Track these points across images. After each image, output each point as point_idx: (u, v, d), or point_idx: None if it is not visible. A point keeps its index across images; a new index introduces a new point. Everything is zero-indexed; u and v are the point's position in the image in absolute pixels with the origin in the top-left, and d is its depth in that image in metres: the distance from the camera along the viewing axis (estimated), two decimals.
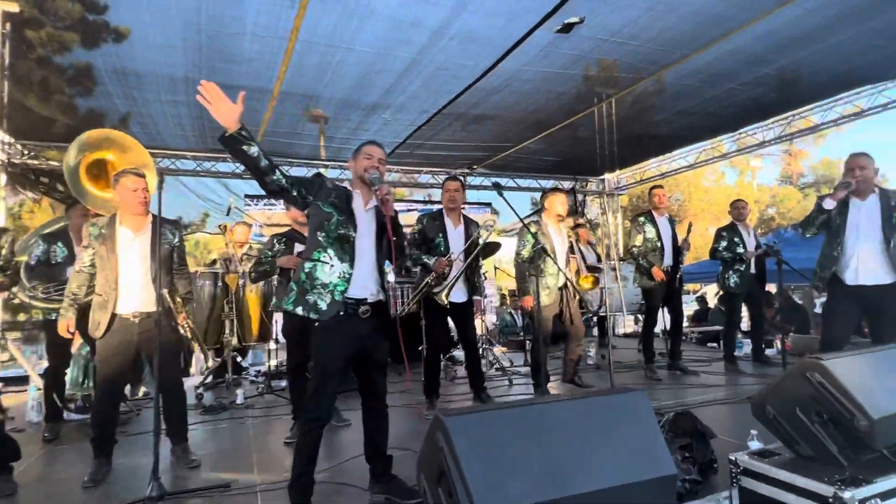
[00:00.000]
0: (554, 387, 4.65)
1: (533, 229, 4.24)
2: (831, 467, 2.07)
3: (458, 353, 6.41)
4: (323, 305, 2.21)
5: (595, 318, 7.41)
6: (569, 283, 4.23)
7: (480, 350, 5.65)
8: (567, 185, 10.43)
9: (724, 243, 5.27)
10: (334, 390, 2.31)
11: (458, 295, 3.89)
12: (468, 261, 3.87)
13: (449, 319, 4.22)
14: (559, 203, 4.31)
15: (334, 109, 5.68)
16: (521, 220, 3.79)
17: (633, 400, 1.61)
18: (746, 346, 5.77)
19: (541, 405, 1.51)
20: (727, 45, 4.77)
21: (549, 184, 10.06)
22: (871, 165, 3.41)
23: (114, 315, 2.82)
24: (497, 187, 3.89)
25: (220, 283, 5.14)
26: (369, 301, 2.30)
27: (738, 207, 5.36)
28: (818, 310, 11.87)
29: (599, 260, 7.03)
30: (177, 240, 3.13)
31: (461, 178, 4.15)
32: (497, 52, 4.52)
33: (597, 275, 4.42)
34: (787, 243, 6.55)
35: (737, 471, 2.25)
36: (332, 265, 2.24)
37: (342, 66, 4.61)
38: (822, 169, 20.89)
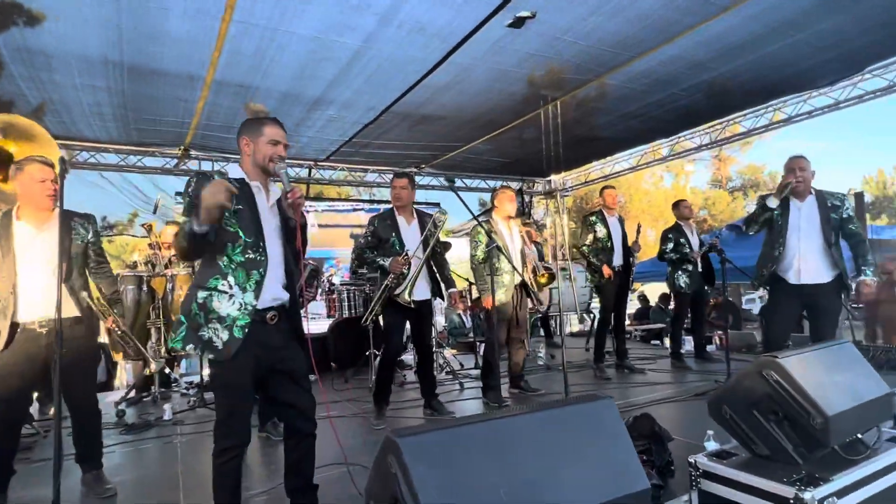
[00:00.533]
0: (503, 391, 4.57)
1: (485, 227, 4.15)
2: (787, 466, 2.06)
3: (407, 357, 6.23)
4: (219, 343, 1.90)
5: (540, 319, 7.43)
6: (524, 283, 4.15)
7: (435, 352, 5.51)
8: (515, 185, 10.48)
9: (670, 245, 5.39)
10: (249, 411, 2.03)
11: (421, 292, 3.72)
12: (426, 254, 3.71)
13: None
14: (508, 201, 4.24)
15: (274, 103, 5.34)
16: (475, 216, 3.66)
17: (601, 409, 1.49)
18: (688, 343, 5.93)
19: (504, 419, 1.36)
20: (671, 50, 4.86)
21: (497, 185, 10.07)
22: (809, 168, 3.54)
23: (15, 324, 2.46)
24: (450, 182, 3.76)
25: (144, 288, 4.68)
26: (275, 307, 2.03)
27: (683, 207, 5.49)
28: (745, 306, 12.63)
29: (542, 260, 7.06)
30: (90, 235, 2.77)
31: (409, 174, 3.95)
32: (446, 46, 4.37)
33: (552, 271, 4.37)
34: (721, 243, 6.86)
35: (696, 473, 2.20)
36: (231, 294, 1.93)
37: (282, 53, 4.31)
38: (749, 174, 22.39)
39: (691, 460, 2.21)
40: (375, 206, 9.60)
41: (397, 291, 3.61)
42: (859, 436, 2.22)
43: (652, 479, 2.32)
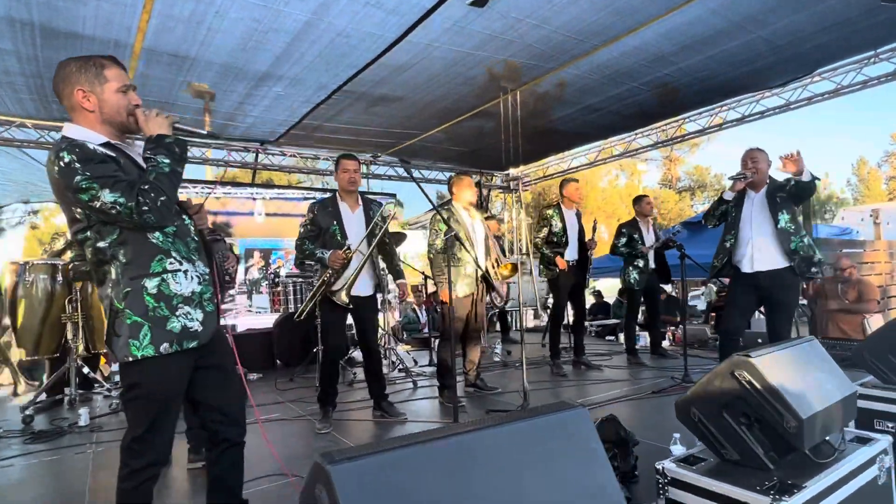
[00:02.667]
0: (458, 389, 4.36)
1: (444, 215, 3.92)
2: (757, 472, 1.94)
3: (357, 355, 5.92)
4: (195, 325, 1.65)
5: (497, 314, 7.30)
6: (484, 277, 3.95)
7: (383, 350, 5.23)
8: (473, 178, 10.30)
9: (623, 239, 5.33)
10: (176, 420, 1.72)
11: (363, 287, 3.43)
12: (370, 249, 3.41)
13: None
14: (468, 188, 4.02)
15: (214, 76, 4.88)
16: (435, 207, 3.41)
17: (573, 420, 1.29)
18: (643, 339, 5.92)
19: (461, 436, 1.13)
20: (633, 41, 4.77)
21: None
22: (765, 159, 3.51)
23: None
24: (405, 163, 3.48)
25: (59, 278, 4.16)
26: None
27: (644, 203, 5.43)
28: (691, 303, 13.00)
29: (503, 254, 6.91)
30: None
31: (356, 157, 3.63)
32: (405, 23, 4.08)
33: (516, 263, 4.19)
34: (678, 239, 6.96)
35: (664, 481, 2.05)
36: (185, 269, 1.68)
37: (222, 20, 3.89)
38: (696, 174, 23.24)
39: (658, 467, 2.05)
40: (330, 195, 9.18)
41: (335, 288, 3.31)
42: (827, 438, 2.14)
43: (622, 490, 2.17)
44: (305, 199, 8.04)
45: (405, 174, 9.15)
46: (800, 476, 1.88)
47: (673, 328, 7.01)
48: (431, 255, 3.93)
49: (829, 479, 1.92)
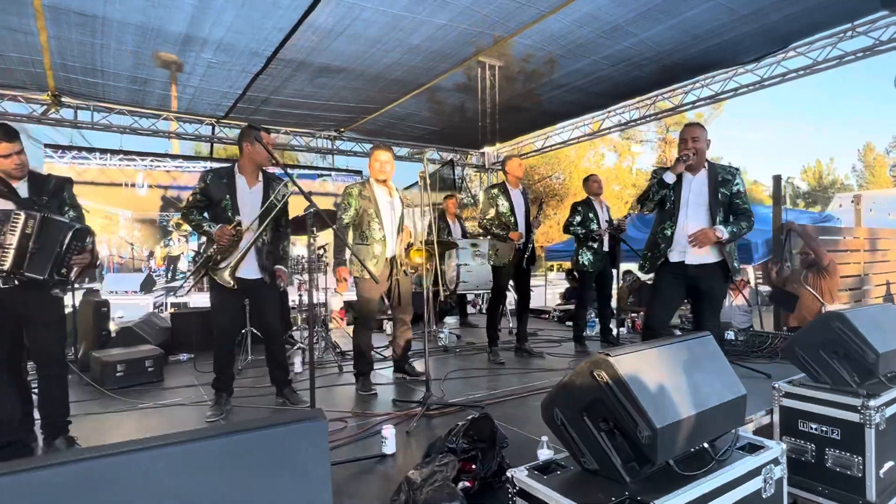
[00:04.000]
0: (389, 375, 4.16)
1: (355, 190, 3.67)
2: (614, 485, 1.72)
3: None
4: None
5: (458, 297, 7.06)
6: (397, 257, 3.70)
7: (323, 334, 5.03)
8: (447, 157, 9.98)
9: (578, 217, 5.06)
10: None
11: (250, 270, 3.18)
12: (261, 228, 3.16)
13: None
14: (380, 162, 3.71)
15: (132, 39, 4.52)
16: (305, 194, 3.08)
17: (298, 435, 1.04)
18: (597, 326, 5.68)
19: (94, 461, 0.87)
20: (584, 6, 4.43)
21: (432, 156, 9.55)
22: (705, 137, 3.21)
23: None
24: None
25: None
26: None
27: (592, 182, 5.16)
28: None
29: (465, 235, 6.64)
30: None
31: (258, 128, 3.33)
32: None
33: (431, 249, 3.91)
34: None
35: (512, 491, 1.83)
36: None
37: None
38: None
39: (509, 475, 1.83)
40: (229, 165, 8.88)
41: (220, 266, 3.07)
42: (706, 445, 1.90)
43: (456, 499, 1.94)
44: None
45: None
46: (656, 491, 1.65)
47: (634, 315, 6.78)
48: (335, 231, 3.70)
49: (693, 492, 1.70)
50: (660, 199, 3.25)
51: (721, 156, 22.54)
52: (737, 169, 3.12)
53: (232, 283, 3.02)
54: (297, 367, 4.41)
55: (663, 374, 1.81)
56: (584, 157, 18.69)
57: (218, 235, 3.00)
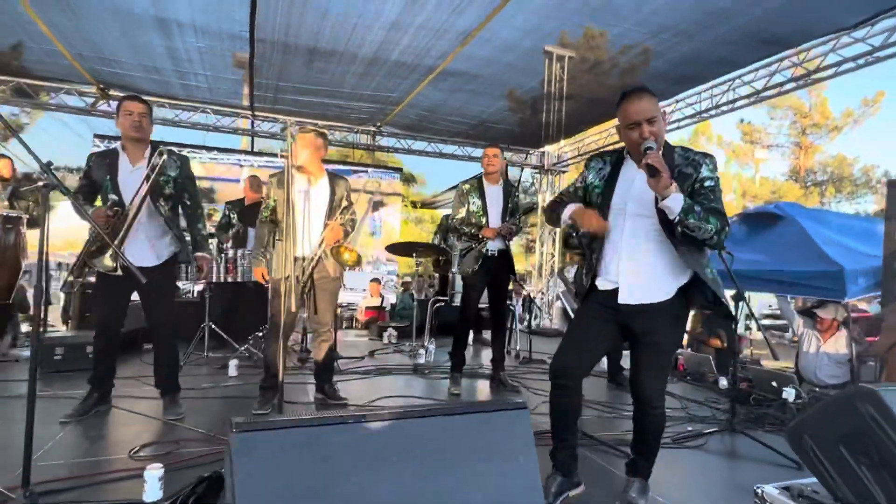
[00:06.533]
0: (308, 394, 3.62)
1: (275, 180, 3.22)
2: None
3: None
4: None
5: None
6: (316, 255, 3.17)
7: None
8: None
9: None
10: None
11: (144, 257, 2.84)
12: (139, 206, 2.80)
13: None
14: (305, 146, 3.16)
15: (109, 22, 4.47)
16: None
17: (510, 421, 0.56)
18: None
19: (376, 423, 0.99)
20: None
21: (477, 153, 8.83)
22: (660, 113, 2.17)
23: None
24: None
25: None
26: None
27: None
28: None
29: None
30: None
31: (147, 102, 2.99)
32: None
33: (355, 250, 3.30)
34: (731, 239, 5.03)
35: None
36: None
37: None
38: (835, 166, 18.60)
39: (758, 490, 1.84)
40: (341, 167, 8.71)
41: (103, 251, 2.75)
42: None
43: None
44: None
45: (412, 147, 8.40)
46: None
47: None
48: (258, 225, 3.27)
49: None
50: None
51: (869, 162, 17.86)
52: (708, 156, 2.03)
53: (114, 265, 2.70)
54: (233, 371, 4.07)
55: None
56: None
57: (94, 218, 2.71)
